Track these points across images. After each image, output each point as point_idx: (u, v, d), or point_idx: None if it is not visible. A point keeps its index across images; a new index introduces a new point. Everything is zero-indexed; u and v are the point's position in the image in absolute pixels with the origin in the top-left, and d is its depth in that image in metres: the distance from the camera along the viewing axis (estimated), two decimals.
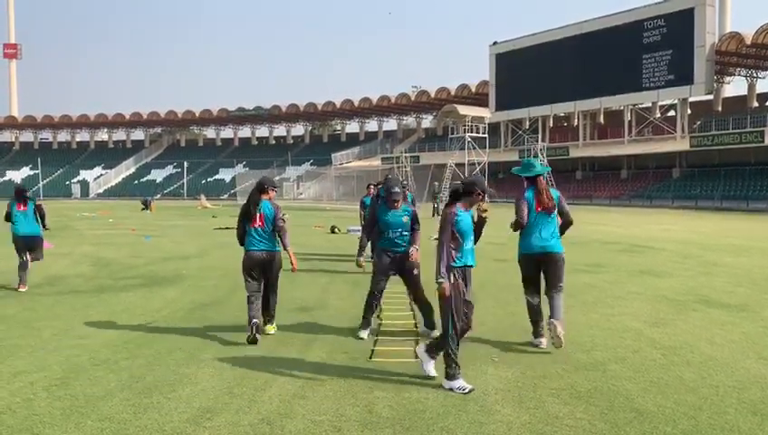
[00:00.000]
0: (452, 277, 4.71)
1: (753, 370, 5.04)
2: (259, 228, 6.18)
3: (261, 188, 6.25)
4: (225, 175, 79.01)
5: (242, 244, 6.33)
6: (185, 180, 76.77)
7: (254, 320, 5.97)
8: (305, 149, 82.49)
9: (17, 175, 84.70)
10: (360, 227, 13.29)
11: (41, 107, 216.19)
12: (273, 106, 79.40)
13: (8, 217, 9.17)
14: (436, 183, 36.32)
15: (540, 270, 5.82)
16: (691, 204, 40.06)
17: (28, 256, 9.10)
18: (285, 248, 6.28)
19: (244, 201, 6.33)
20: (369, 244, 11.26)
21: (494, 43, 59.97)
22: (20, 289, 8.79)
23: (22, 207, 9.13)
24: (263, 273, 6.25)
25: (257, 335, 5.86)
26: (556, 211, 5.77)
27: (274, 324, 6.39)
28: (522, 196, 5.77)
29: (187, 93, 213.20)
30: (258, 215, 6.16)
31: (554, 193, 5.80)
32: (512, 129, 59.30)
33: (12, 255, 9.26)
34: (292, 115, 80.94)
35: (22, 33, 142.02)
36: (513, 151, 54.90)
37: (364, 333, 6.16)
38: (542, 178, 5.85)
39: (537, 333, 5.83)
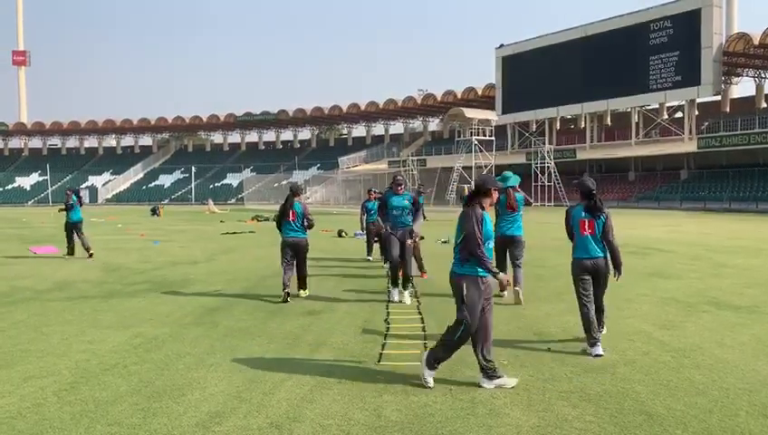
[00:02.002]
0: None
1: (763, 372, 5.00)
2: (292, 221, 8.37)
3: (294, 192, 8.51)
4: (232, 180, 79.33)
5: (279, 230, 8.50)
6: (192, 185, 77.07)
7: (287, 286, 8.17)
8: (312, 153, 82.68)
9: (27, 181, 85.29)
10: (363, 232, 13.27)
11: (49, 113, 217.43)
12: (279, 111, 79.70)
13: (67, 208, 14.02)
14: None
15: (506, 248, 8.11)
16: (699, 205, 39.87)
17: (81, 239, 13.91)
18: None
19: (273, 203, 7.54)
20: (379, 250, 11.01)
21: (501, 45, 59.98)
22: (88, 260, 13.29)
23: (78, 203, 14.13)
24: (293, 252, 8.38)
25: (288, 299, 8.08)
26: (520, 209, 8.14)
27: (307, 291, 8.55)
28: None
29: (194, 99, 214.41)
30: (291, 211, 8.34)
31: (519, 196, 8.14)
32: (518, 131, 59.27)
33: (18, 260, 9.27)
34: (298, 119, 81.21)
35: (30, 41, 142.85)
36: (521, 154, 54.87)
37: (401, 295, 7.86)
38: (510, 188, 8.03)
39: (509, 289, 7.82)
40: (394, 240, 8.31)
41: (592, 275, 5.68)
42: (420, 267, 10.28)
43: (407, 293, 8.17)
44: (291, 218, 8.36)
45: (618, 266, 5.66)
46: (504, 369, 5.12)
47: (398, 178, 8.61)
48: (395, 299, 8.07)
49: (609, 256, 5.70)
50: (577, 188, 5.87)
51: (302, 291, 8.54)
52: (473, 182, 7.11)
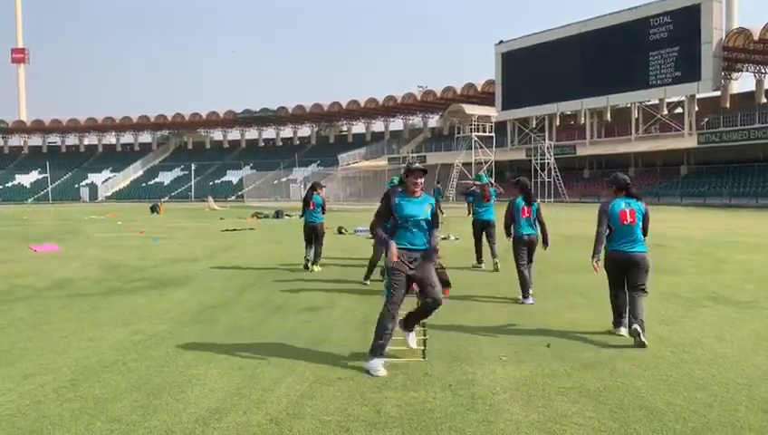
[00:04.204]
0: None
1: (763, 367, 5.00)
2: (311, 210, 10.89)
3: (314, 188, 11.10)
4: (232, 177, 79.31)
5: (302, 215, 11.13)
6: (192, 183, 77.04)
7: (308, 258, 10.88)
8: (312, 150, 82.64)
9: (26, 179, 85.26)
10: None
11: (49, 111, 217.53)
12: (279, 108, 79.63)
13: None
14: (474, 181, 36.02)
15: (483, 230, 11.02)
16: (699, 201, 39.87)
17: None
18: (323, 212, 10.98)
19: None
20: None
21: (500, 42, 59.86)
22: None
23: None
24: (312, 234, 10.83)
25: (308, 266, 10.75)
26: (492, 201, 11.14)
27: (319, 266, 10.87)
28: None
29: (194, 96, 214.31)
30: (312, 202, 10.86)
31: (492, 191, 11.24)
32: (518, 127, 59.21)
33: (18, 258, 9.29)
34: (298, 116, 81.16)
35: (29, 38, 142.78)
36: (520, 150, 54.84)
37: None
38: (479, 183, 11.34)
39: (483, 260, 10.97)
40: (404, 278, 5.09)
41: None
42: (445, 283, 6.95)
43: (412, 334, 5.48)
44: (311, 207, 10.87)
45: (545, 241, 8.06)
46: (503, 365, 5.13)
47: (421, 166, 5.21)
48: (411, 345, 5.42)
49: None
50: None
51: (315, 266, 10.72)
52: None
